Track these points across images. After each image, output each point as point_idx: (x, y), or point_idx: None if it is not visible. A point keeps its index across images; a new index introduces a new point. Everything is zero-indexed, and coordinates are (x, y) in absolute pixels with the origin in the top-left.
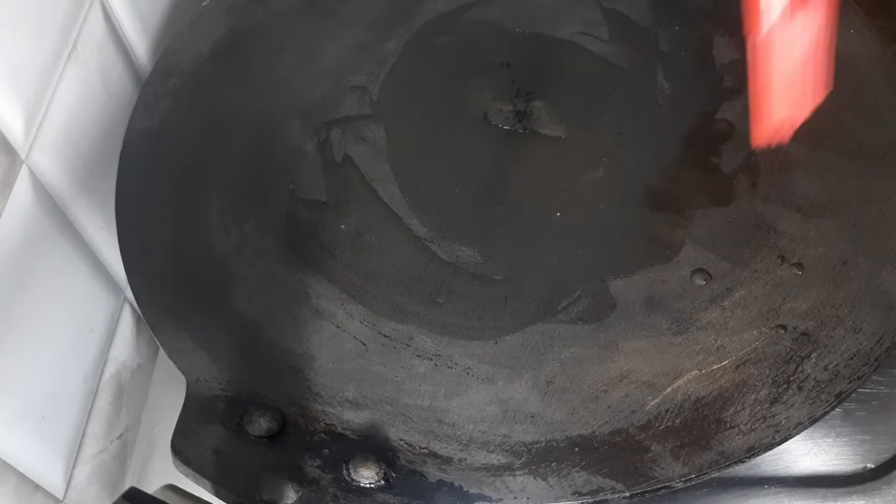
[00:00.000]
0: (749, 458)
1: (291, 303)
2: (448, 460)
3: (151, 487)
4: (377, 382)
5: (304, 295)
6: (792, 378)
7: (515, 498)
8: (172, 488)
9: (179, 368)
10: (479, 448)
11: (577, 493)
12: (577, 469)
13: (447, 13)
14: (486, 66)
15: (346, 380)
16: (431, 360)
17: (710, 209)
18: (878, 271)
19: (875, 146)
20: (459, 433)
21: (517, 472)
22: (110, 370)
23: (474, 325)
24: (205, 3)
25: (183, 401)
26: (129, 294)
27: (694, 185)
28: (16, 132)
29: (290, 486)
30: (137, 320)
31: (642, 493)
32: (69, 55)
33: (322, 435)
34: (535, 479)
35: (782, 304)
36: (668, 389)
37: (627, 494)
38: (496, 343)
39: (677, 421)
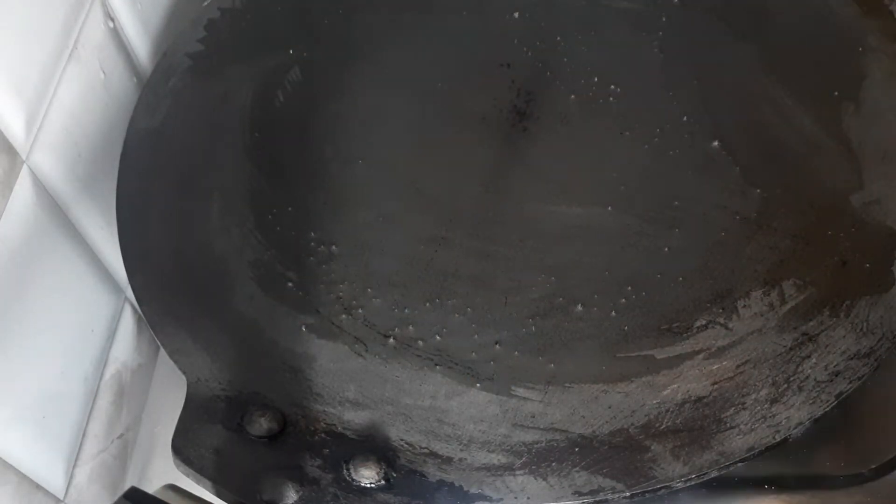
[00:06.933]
0: (749, 458)
1: (291, 303)
2: (448, 460)
3: (152, 487)
4: (377, 382)
5: (304, 295)
6: (792, 378)
7: (516, 498)
8: (173, 488)
9: (180, 368)
10: (480, 448)
11: (578, 493)
12: (577, 469)
13: (447, 14)
14: (486, 66)
15: (346, 380)
16: (431, 359)
17: (711, 209)
18: (878, 271)
19: (875, 146)
20: (460, 433)
21: (517, 472)
22: (111, 370)
23: (474, 326)
24: (205, 4)
25: (183, 401)
26: (130, 294)
27: (695, 185)
28: (16, 132)
29: (290, 485)
30: (138, 320)
31: (642, 493)
32: (70, 55)
33: (322, 435)
34: (535, 478)
35: (782, 303)
36: (668, 389)
37: (627, 494)
38: (496, 343)
39: (677, 421)
